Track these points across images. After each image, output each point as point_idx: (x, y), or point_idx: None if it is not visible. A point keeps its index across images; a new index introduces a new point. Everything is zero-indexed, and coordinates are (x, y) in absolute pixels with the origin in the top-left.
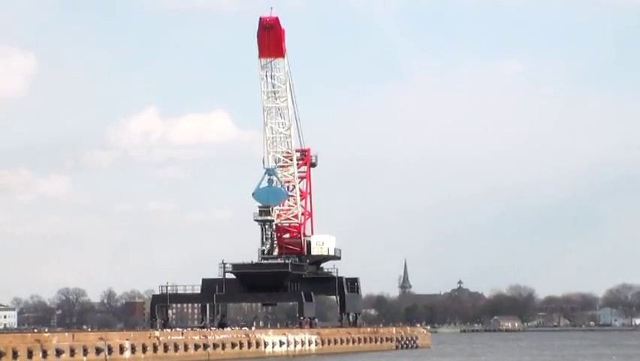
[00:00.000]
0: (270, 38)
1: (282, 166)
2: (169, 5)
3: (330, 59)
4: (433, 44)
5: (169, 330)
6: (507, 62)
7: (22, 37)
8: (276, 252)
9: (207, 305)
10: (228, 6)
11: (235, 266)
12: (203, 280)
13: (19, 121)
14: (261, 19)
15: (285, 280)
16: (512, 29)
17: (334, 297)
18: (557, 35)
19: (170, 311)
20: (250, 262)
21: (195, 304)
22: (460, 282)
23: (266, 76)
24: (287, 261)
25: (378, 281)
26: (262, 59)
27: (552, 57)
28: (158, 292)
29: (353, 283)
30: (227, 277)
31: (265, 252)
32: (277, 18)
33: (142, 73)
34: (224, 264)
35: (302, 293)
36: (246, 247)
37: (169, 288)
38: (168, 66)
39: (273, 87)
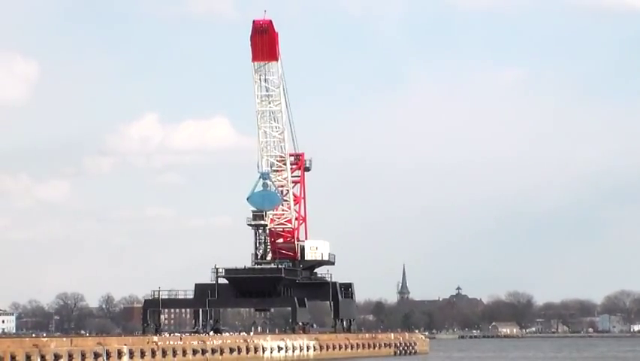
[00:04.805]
0: (264, 41)
1: (276, 170)
2: (169, 12)
3: (329, 64)
4: (432, 51)
5: (167, 335)
6: (507, 70)
7: (24, 43)
8: (269, 257)
9: (200, 310)
10: (228, 12)
11: (227, 271)
12: (196, 285)
13: (19, 126)
14: (254, 22)
15: (278, 285)
16: (513, 37)
17: (328, 302)
18: (558, 43)
19: (163, 316)
20: (243, 267)
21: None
22: (458, 288)
23: (259, 79)
24: (280, 266)
25: (376, 287)
26: (255, 63)
27: (552, 64)
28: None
29: (347, 289)
30: (220, 282)
31: (258, 257)
32: (271, 21)
33: (142, 79)
34: (217, 269)
35: (295, 299)
36: (243, 252)
37: (161, 293)
38: (168, 72)
39: (267, 91)
